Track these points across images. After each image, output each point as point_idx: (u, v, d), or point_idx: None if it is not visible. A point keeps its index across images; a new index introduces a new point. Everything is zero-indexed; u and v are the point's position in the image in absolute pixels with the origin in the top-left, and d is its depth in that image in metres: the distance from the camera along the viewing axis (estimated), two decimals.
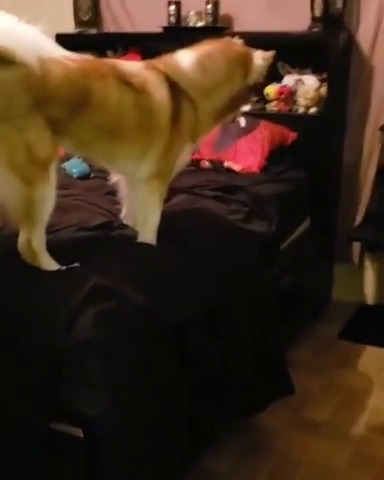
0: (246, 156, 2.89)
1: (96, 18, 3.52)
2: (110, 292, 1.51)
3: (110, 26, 3.54)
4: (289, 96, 3.03)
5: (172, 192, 2.33)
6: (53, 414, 1.42)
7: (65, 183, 2.29)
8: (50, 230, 1.73)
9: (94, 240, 1.79)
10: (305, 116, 2.99)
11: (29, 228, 1.62)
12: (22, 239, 1.63)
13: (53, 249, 1.66)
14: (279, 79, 3.08)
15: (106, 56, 3.49)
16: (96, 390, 1.42)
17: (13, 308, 1.50)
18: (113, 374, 1.44)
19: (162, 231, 1.88)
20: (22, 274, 1.60)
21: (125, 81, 1.69)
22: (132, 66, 1.79)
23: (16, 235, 1.65)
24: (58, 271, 1.58)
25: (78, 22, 3.52)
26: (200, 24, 3.16)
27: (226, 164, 2.88)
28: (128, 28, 3.48)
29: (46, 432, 1.42)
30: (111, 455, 1.40)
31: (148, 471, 1.47)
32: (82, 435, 1.40)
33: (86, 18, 3.50)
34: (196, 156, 2.96)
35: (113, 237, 1.86)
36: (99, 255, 1.66)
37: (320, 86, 2.96)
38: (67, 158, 2.60)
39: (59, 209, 1.72)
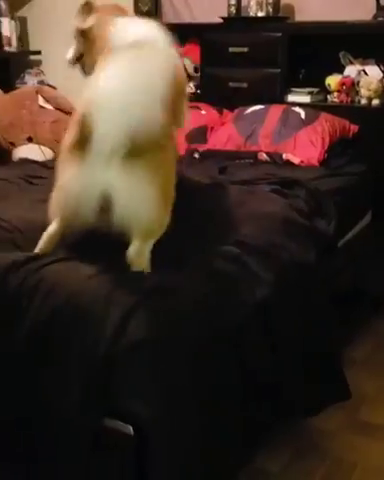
0: (306, 148, 2.83)
1: (156, 8, 3.50)
2: (166, 292, 1.50)
3: (169, 16, 3.52)
4: (351, 87, 2.94)
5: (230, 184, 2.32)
6: (104, 412, 1.43)
7: None
8: None
9: None
10: (367, 108, 2.90)
11: (150, 239, 1.61)
12: (137, 249, 1.57)
13: None
14: (341, 70, 3.00)
15: None
16: (148, 390, 1.41)
17: (65, 306, 1.50)
18: (165, 374, 1.43)
19: (218, 224, 1.84)
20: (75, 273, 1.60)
21: None
22: None
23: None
24: (112, 270, 1.56)
25: (138, 13, 3.51)
26: (260, 14, 3.10)
27: (285, 156, 2.83)
28: (187, 18, 3.45)
29: (96, 430, 1.42)
30: (161, 455, 1.39)
31: (199, 472, 1.45)
32: (132, 432, 1.39)
33: (146, 8, 3.49)
34: (254, 148, 2.92)
35: None
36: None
37: None
38: None
39: None
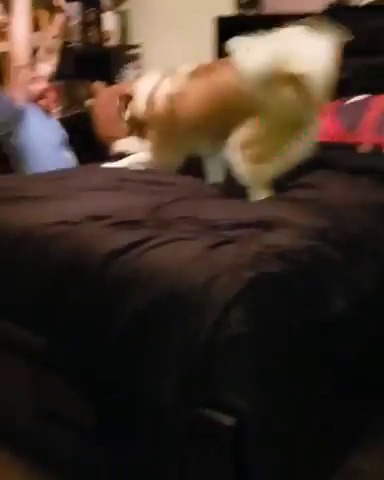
0: None
1: None
2: (266, 286, 1.49)
3: (270, 6, 3.47)
4: None
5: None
6: (202, 402, 1.44)
7: None
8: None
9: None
10: None
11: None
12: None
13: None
14: None
15: None
16: (247, 383, 1.41)
17: (164, 296, 1.51)
18: (264, 367, 1.43)
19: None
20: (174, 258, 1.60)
21: None
22: None
23: None
24: (214, 263, 1.56)
25: (238, 4, 3.49)
26: (366, 2, 3.00)
27: None
28: (290, 8, 3.38)
29: (194, 419, 1.43)
30: (260, 448, 1.39)
31: (296, 467, 1.43)
32: (231, 424, 1.39)
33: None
34: (352, 139, 2.82)
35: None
36: (253, 248, 1.62)
37: None
38: None
39: None
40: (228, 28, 3.49)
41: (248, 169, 2.10)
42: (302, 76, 1.90)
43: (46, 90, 2.98)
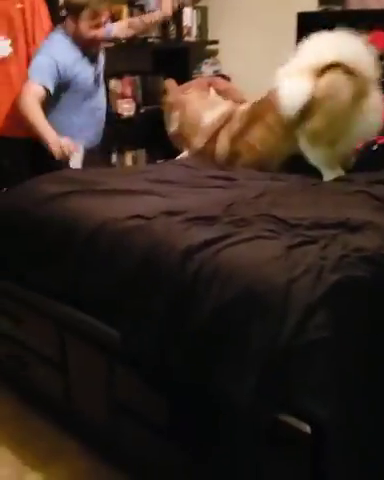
0: None
1: None
2: (350, 290, 1.43)
3: (355, 3, 3.37)
4: None
5: None
6: (279, 407, 1.39)
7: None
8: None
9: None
10: None
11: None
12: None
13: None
14: None
15: None
16: (325, 391, 1.36)
17: (243, 296, 1.47)
18: (343, 375, 1.38)
19: None
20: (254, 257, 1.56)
21: None
22: None
23: None
24: (296, 263, 1.51)
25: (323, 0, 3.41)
26: None
27: None
28: (375, 4, 3.27)
29: (271, 423, 1.39)
30: (339, 455, 1.34)
31: (374, 476, 1.38)
32: (309, 431, 1.34)
33: None
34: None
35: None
36: (337, 250, 1.56)
37: None
38: None
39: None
40: (311, 24, 3.42)
41: (319, 153, 2.39)
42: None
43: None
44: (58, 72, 2.72)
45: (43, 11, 2.97)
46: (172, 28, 3.82)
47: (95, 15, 2.77)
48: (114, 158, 3.80)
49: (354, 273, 1.48)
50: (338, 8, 3.39)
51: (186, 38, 3.96)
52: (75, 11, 2.75)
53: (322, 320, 1.38)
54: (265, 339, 1.40)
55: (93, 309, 1.83)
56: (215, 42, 4.11)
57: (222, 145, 2.70)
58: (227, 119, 2.75)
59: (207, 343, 1.51)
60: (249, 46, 3.94)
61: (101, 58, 3.02)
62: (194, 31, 4.04)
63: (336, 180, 2.30)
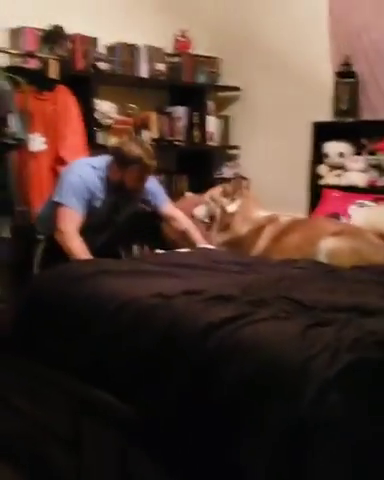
0: None
1: (354, 107, 3.64)
2: (364, 371, 1.47)
3: (366, 114, 3.63)
4: None
5: None
6: None
7: None
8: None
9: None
10: None
11: None
12: None
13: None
14: None
15: (360, 143, 3.57)
16: (338, 471, 1.36)
17: (260, 374, 1.51)
18: (361, 459, 1.38)
19: None
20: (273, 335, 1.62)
21: None
22: None
23: None
24: (313, 342, 1.56)
25: (336, 111, 3.66)
26: None
27: None
28: None
29: None
30: None
31: None
32: None
33: (344, 107, 3.64)
34: None
35: None
36: (352, 333, 1.61)
37: None
38: None
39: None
40: (325, 133, 3.67)
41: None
42: None
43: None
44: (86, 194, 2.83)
45: (74, 113, 3.24)
46: (196, 133, 4.10)
47: (145, 170, 2.84)
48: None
49: (368, 355, 1.52)
50: (351, 119, 3.63)
51: (209, 142, 4.23)
52: (125, 163, 2.80)
53: (337, 398, 1.40)
54: (281, 416, 1.42)
55: (112, 387, 1.86)
56: (236, 147, 4.38)
57: (264, 240, 3.00)
58: (272, 220, 3.08)
59: (223, 419, 1.53)
60: (267, 151, 4.19)
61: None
62: (216, 136, 4.32)
63: (352, 268, 2.40)
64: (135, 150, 2.80)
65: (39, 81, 3.11)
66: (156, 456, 1.68)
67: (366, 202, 3.24)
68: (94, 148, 3.51)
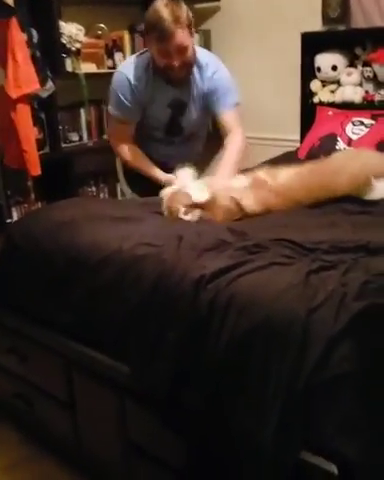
0: None
1: (345, 15, 3.33)
2: (375, 319, 1.34)
3: (359, 22, 3.32)
4: None
5: None
6: (302, 446, 1.30)
7: None
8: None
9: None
10: None
11: None
12: None
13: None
14: None
15: (354, 54, 3.30)
16: (352, 428, 1.26)
17: (260, 329, 1.38)
18: (371, 411, 1.28)
19: None
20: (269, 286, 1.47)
21: None
22: None
23: None
24: (315, 291, 1.41)
25: (326, 20, 3.36)
26: None
27: None
28: (379, 22, 3.22)
29: (294, 464, 1.29)
30: None
31: None
32: (337, 472, 1.25)
33: (335, 15, 3.33)
34: None
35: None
36: (359, 276, 1.46)
37: None
38: None
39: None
40: (314, 44, 3.38)
41: None
42: None
43: None
44: None
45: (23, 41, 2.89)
46: None
47: (168, 40, 2.25)
48: None
49: (379, 300, 1.38)
50: (342, 28, 3.34)
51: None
52: (148, 33, 2.32)
53: (346, 352, 1.28)
54: (286, 374, 1.30)
55: (102, 344, 1.75)
56: None
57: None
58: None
59: (223, 378, 1.42)
60: (252, 69, 3.90)
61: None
62: None
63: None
64: (157, 10, 2.24)
65: None
66: (155, 415, 1.58)
67: (363, 119, 3.00)
68: (63, 77, 3.22)
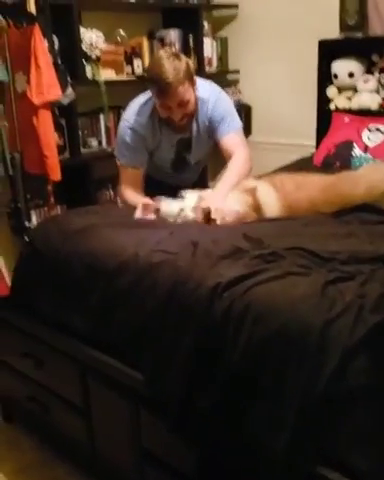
0: None
1: (362, 22, 3.33)
2: None
3: (377, 29, 3.32)
4: None
5: None
6: (317, 459, 1.30)
7: None
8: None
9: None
10: None
11: None
12: None
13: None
14: None
15: (371, 61, 3.29)
16: (366, 441, 1.26)
17: (276, 338, 1.38)
18: None
19: None
20: (286, 295, 1.47)
21: None
22: None
23: None
24: (333, 302, 1.41)
25: (343, 27, 3.36)
26: None
27: None
28: None
29: (308, 477, 1.30)
30: None
31: None
32: None
33: (352, 22, 3.33)
34: None
35: None
36: (376, 287, 1.45)
37: None
38: None
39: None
40: (332, 51, 3.37)
41: None
42: None
43: None
44: None
45: (45, 49, 2.91)
46: (192, 58, 3.80)
47: (166, 93, 2.23)
48: None
49: None
50: (359, 35, 3.33)
51: (207, 68, 3.94)
52: (150, 86, 2.31)
53: (362, 365, 1.28)
54: (301, 384, 1.31)
55: (117, 350, 1.76)
56: (235, 72, 4.09)
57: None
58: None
59: (237, 387, 1.42)
60: (270, 75, 3.91)
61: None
62: (214, 61, 4.03)
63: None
64: (158, 64, 2.23)
65: (17, 16, 2.80)
66: (167, 425, 1.58)
67: (380, 126, 2.99)
68: (83, 84, 3.25)
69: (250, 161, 2.42)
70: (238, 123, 2.49)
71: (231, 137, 2.44)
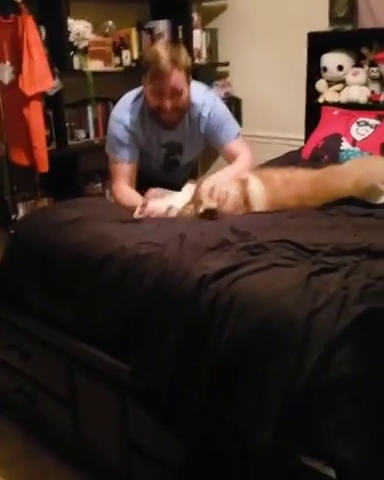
0: None
1: (352, 14, 3.32)
2: (375, 324, 1.34)
3: (367, 22, 3.31)
4: None
5: None
6: (302, 449, 1.30)
7: None
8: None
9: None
10: None
11: None
12: None
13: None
14: None
15: (361, 54, 3.29)
16: (350, 431, 1.27)
17: (260, 330, 1.38)
18: (371, 417, 1.28)
19: None
20: (271, 287, 1.47)
21: None
22: None
23: None
24: (316, 294, 1.42)
25: (333, 19, 3.35)
26: None
27: None
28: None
29: (292, 467, 1.30)
30: None
31: None
32: (334, 476, 1.25)
33: (342, 15, 3.33)
34: None
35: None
36: (360, 279, 1.47)
37: None
38: None
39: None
40: (322, 44, 3.37)
41: None
42: None
43: None
44: None
45: (38, 38, 2.90)
46: None
47: (162, 78, 2.22)
48: None
49: (380, 304, 1.38)
50: (349, 27, 3.33)
51: (196, 60, 3.93)
52: (144, 72, 2.29)
53: (345, 356, 1.29)
54: (284, 375, 1.31)
55: (104, 342, 1.76)
56: (225, 64, 4.08)
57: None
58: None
59: (223, 377, 1.42)
60: (259, 67, 3.90)
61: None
62: (204, 53, 4.01)
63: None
64: (155, 49, 2.23)
65: (4, 7, 2.78)
66: (153, 416, 1.59)
67: (369, 120, 2.99)
68: (70, 75, 3.23)
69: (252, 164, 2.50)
70: (237, 128, 2.54)
71: (234, 144, 2.49)
